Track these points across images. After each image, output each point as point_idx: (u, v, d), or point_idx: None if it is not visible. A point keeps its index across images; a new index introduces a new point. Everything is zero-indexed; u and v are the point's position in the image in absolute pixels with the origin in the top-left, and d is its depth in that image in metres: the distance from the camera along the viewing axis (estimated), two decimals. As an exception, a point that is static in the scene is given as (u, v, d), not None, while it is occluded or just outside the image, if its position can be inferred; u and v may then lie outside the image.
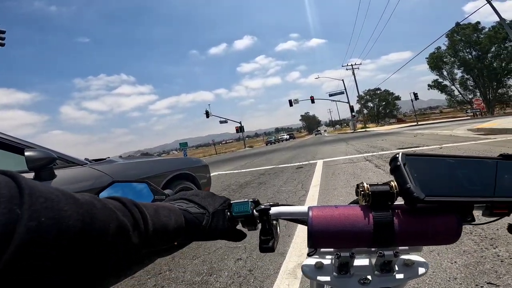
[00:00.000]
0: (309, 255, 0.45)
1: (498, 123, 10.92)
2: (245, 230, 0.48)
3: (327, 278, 0.45)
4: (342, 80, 43.48)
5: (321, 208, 0.41)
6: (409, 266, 0.44)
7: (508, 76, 29.10)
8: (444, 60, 33.25)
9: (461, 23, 28.12)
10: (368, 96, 64.39)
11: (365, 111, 58.53)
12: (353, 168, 5.95)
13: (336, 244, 0.41)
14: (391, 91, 66.35)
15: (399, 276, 0.43)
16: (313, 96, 39.19)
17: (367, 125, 44.05)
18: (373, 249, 0.42)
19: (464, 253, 1.84)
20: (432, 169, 0.38)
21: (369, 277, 0.43)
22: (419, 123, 28.33)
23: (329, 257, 0.47)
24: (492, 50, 29.63)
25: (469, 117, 25.39)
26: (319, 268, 0.47)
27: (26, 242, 0.20)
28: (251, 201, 0.46)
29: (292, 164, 8.57)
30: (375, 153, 7.81)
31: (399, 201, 0.39)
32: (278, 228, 0.49)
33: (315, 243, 0.41)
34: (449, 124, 18.70)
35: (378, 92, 64.58)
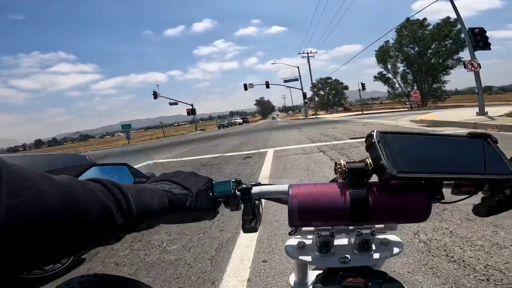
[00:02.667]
0: (290, 234, 0.46)
1: (437, 116, 11.50)
2: (227, 210, 0.47)
3: (309, 258, 0.46)
4: (297, 67, 43.65)
5: (301, 186, 0.42)
6: (386, 246, 0.46)
7: (444, 73, 31.54)
8: (390, 54, 35.07)
9: (410, 18, 29.22)
10: (320, 85, 66.39)
11: (317, 99, 60.39)
12: (307, 161, 5.22)
13: (316, 221, 0.42)
14: (340, 81, 69.60)
15: (376, 255, 0.45)
16: (268, 82, 38.56)
17: (318, 113, 45.12)
18: (351, 227, 0.45)
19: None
20: (404, 147, 0.39)
21: (348, 256, 0.45)
22: (364, 112, 29.89)
23: (311, 237, 0.48)
24: (433, 47, 31.05)
25: (406, 109, 27.37)
26: (302, 247, 0.47)
27: (6, 222, 0.20)
28: (233, 181, 0.45)
29: (239, 153, 7.63)
30: (328, 143, 7.28)
31: (374, 179, 0.40)
32: (260, 208, 0.48)
33: (295, 221, 0.41)
34: (391, 114, 19.74)
35: (329, 81, 66.95)
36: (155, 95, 37.55)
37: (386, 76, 36.45)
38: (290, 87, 46.03)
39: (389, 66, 35.89)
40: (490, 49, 9.68)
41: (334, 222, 0.41)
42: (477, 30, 9.35)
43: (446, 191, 0.41)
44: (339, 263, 0.44)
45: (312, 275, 0.57)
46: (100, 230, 0.27)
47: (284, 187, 0.44)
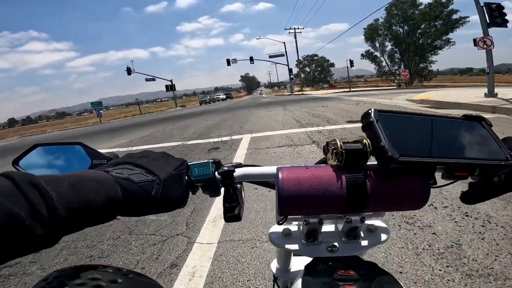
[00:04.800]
0: (279, 223, 0.43)
1: (436, 96, 10.16)
2: (206, 196, 0.42)
3: (296, 246, 0.44)
4: (284, 42, 41.21)
5: (291, 169, 0.37)
6: (373, 232, 0.44)
7: (432, 53, 30.84)
8: (379, 32, 33.76)
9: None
10: (306, 61, 64.97)
11: (302, 76, 58.97)
12: (295, 159, 3.62)
13: (308, 210, 0.38)
14: (327, 58, 68.68)
15: (364, 242, 0.43)
16: (252, 56, 36.15)
17: (303, 89, 43.32)
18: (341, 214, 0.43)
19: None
20: (402, 127, 0.37)
21: (336, 244, 0.43)
22: (351, 89, 28.73)
23: (296, 223, 0.46)
24: (422, 27, 30.01)
25: (394, 87, 26.46)
26: (287, 235, 0.45)
27: None
28: (211, 162, 0.40)
29: (207, 140, 5.89)
30: (321, 128, 5.68)
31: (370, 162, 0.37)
32: (243, 192, 0.44)
33: (285, 210, 0.37)
34: (379, 92, 18.41)
35: (316, 58, 65.72)
36: (129, 71, 34.63)
37: (374, 54, 35.31)
38: (275, 62, 43.77)
39: (377, 45, 34.64)
40: (507, 26, 8.37)
41: (327, 210, 0.38)
42: (494, 5, 8.17)
43: (437, 176, 0.40)
44: (327, 252, 0.42)
45: (295, 261, 0.55)
46: (8, 245, 0.22)
47: (271, 169, 0.40)
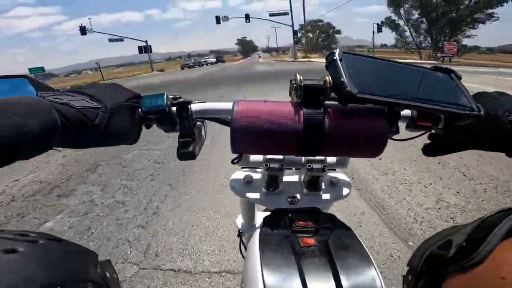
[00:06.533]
0: (233, 162, 0.42)
1: None
2: (161, 132, 0.40)
3: (256, 195, 0.44)
4: (289, -1, 34.25)
5: (248, 103, 0.36)
6: (335, 185, 0.45)
7: (469, 26, 25.58)
8: (406, -4, 27.96)
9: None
10: (309, 27, 58.65)
11: (304, 40, 52.88)
12: None
13: (263, 147, 0.36)
14: (333, 25, 62.69)
15: (326, 196, 0.43)
16: (248, 14, 30.03)
17: (309, 55, 36.76)
18: (302, 160, 0.43)
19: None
20: (367, 69, 0.36)
21: (297, 195, 0.43)
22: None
23: (259, 171, 0.46)
24: None
25: (434, 61, 21.53)
26: (248, 183, 0.45)
27: None
28: (166, 94, 0.38)
29: None
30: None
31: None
32: (203, 130, 0.42)
33: (238, 146, 0.36)
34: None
35: (320, 24, 60.75)
36: (83, 31, 28.63)
37: (396, 22, 29.28)
38: (276, 22, 36.68)
39: (402, 12, 28.39)
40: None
41: (284, 149, 0.36)
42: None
43: (401, 127, 0.39)
44: (287, 204, 0.42)
45: (260, 216, 0.53)
46: None
47: (229, 104, 0.38)
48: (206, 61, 47.15)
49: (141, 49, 32.17)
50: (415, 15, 28.36)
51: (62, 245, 0.24)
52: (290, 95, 0.37)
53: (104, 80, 25.69)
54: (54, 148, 0.30)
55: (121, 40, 33.78)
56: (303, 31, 32.05)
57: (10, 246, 0.21)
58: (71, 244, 0.26)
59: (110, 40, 33.29)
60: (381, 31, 26.38)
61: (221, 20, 30.17)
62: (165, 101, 0.36)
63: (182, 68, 36.60)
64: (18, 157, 0.25)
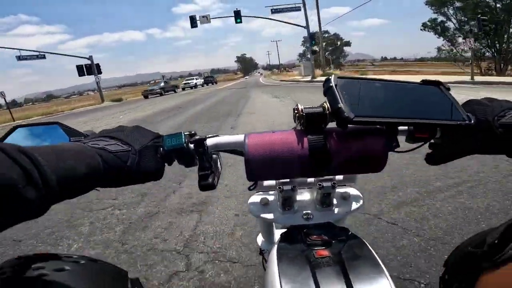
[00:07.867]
0: (250, 189, 0.46)
1: None
2: (182, 167, 0.43)
3: (273, 215, 0.46)
4: None
5: (258, 135, 0.40)
6: (346, 200, 0.47)
7: None
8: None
9: None
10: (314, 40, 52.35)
11: (309, 56, 45.51)
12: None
13: (275, 173, 0.40)
14: (340, 36, 57.65)
15: (338, 210, 0.46)
16: (239, 10, 21.44)
17: (327, 71, 26.55)
18: (312, 180, 0.47)
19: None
20: (362, 92, 0.38)
21: (311, 212, 0.45)
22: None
23: (273, 192, 0.49)
24: None
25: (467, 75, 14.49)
26: (265, 205, 0.47)
27: None
28: (186, 133, 0.41)
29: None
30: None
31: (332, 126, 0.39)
32: (219, 162, 0.46)
33: (253, 174, 0.39)
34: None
35: (326, 35, 55.11)
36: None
37: (444, 24, 21.78)
38: (286, 22, 28.05)
39: (450, 12, 20.99)
40: None
41: (294, 173, 0.40)
42: None
43: (401, 140, 0.41)
44: (303, 220, 0.44)
45: (278, 234, 0.56)
46: (2, 212, 0.21)
47: (240, 137, 0.41)
48: (189, 83, 35.05)
49: (80, 70, 22.60)
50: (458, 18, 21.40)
51: (98, 265, 0.28)
52: (295, 121, 0.41)
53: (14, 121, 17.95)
54: (95, 188, 0.32)
55: (43, 57, 23.36)
56: (314, 41, 22.90)
57: (61, 266, 0.25)
58: (106, 264, 0.30)
59: (20, 58, 22.62)
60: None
61: (198, 21, 21.53)
62: (183, 139, 0.39)
63: (146, 97, 25.65)
64: (69, 196, 0.28)
